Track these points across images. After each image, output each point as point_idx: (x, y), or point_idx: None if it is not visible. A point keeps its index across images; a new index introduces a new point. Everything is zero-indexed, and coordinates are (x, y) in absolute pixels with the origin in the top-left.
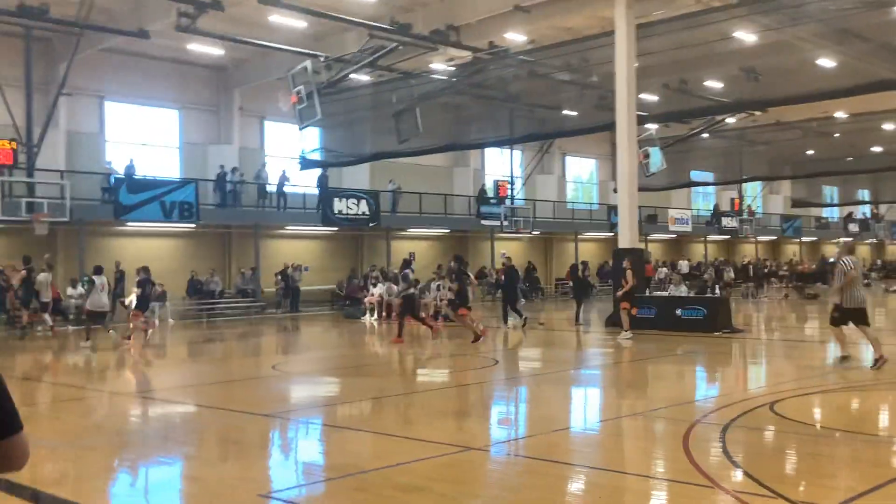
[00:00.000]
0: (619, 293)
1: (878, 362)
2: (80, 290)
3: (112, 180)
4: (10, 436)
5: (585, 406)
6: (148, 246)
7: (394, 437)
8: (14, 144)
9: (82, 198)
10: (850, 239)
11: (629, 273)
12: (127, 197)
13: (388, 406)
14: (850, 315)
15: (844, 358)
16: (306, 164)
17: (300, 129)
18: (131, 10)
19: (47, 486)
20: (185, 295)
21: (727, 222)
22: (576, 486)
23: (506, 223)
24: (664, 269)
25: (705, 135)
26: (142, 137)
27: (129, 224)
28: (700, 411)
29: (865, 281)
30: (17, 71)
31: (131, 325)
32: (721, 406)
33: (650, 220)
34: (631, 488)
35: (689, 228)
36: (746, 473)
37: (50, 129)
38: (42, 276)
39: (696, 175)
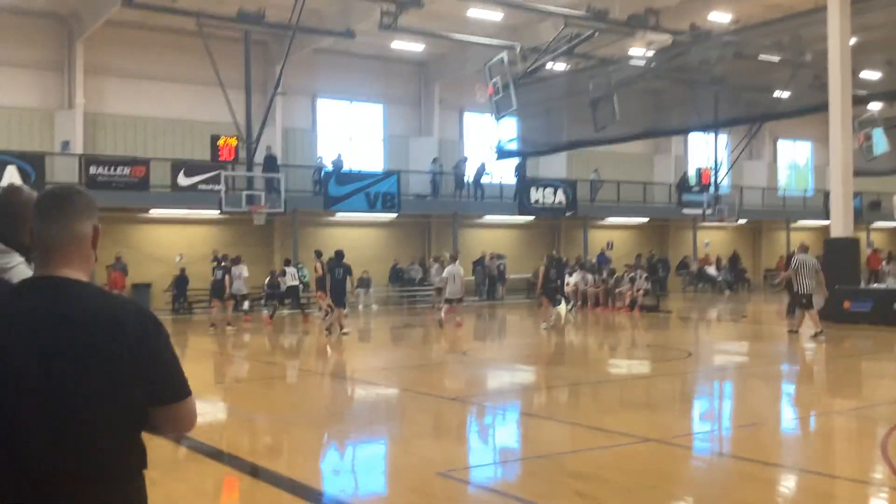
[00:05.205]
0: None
1: None
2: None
3: (322, 173)
4: (179, 400)
5: (781, 402)
6: (355, 235)
7: (573, 425)
8: (236, 141)
9: (296, 190)
10: None
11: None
12: (335, 189)
13: (572, 395)
14: None
15: None
16: (503, 154)
17: (497, 119)
18: (338, 11)
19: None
20: (387, 282)
21: None
22: (756, 483)
23: (709, 211)
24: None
25: None
26: (349, 132)
27: (338, 214)
28: None
29: None
30: (238, 74)
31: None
32: None
33: (874, 208)
34: (816, 489)
35: None
36: None
37: (267, 127)
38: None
39: None
